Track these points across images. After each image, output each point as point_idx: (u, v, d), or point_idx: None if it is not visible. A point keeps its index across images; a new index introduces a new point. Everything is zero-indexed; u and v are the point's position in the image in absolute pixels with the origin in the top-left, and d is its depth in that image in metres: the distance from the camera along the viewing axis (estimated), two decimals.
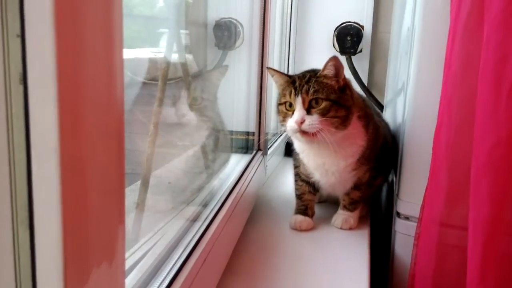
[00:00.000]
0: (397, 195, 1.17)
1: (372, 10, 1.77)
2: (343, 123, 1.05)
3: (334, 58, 1.05)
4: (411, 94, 1.10)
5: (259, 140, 1.35)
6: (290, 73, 1.81)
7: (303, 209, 1.23)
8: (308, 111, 1.04)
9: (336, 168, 1.15)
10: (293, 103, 1.06)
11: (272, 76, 1.15)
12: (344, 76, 1.08)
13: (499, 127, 0.73)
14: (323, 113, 1.03)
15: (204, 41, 1.32)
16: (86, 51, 0.33)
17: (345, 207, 1.24)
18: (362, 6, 1.77)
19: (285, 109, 1.08)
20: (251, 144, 1.36)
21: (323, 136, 1.03)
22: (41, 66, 0.29)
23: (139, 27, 0.93)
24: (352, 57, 1.77)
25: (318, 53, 1.82)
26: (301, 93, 1.04)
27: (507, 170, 0.74)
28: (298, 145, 1.19)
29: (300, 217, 1.22)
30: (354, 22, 1.76)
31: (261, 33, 1.31)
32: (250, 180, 1.16)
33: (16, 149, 0.31)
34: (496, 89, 0.73)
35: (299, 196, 1.25)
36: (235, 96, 1.36)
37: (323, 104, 1.03)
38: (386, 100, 1.69)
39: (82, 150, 0.33)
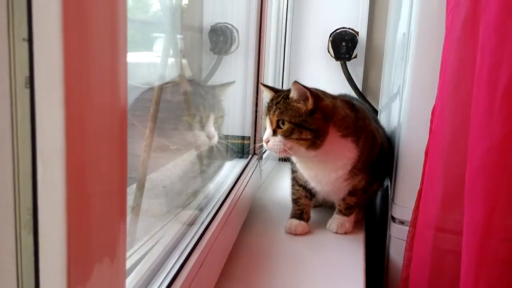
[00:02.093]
0: (392, 199, 1.17)
1: (367, 16, 1.78)
2: (313, 144, 1.05)
3: (294, 83, 1.04)
4: (406, 99, 1.11)
5: (254, 144, 1.35)
6: (285, 77, 1.82)
7: (299, 213, 1.23)
8: (275, 131, 1.06)
9: (328, 179, 1.16)
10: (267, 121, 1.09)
11: (263, 92, 1.18)
12: (320, 100, 1.06)
13: (493, 131, 0.74)
14: (286, 135, 1.04)
15: (199, 45, 1.32)
16: (92, 55, 0.33)
17: (340, 212, 1.24)
18: (357, 12, 1.78)
19: (265, 124, 1.11)
20: (247, 148, 1.36)
21: (295, 154, 1.05)
22: (48, 70, 0.29)
23: (133, 31, 0.93)
24: (347, 62, 1.78)
25: (313, 59, 1.83)
26: (269, 114, 1.07)
27: (501, 174, 0.74)
28: None
29: (295, 221, 1.22)
30: (349, 28, 1.77)
31: (257, 38, 1.32)
32: (246, 185, 1.16)
33: (21, 152, 0.31)
34: (490, 94, 0.74)
35: (295, 201, 1.25)
36: (231, 100, 1.36)
37: (286, 127, 1.04)
38: (380, 106, 1.70)
39: (87, 152, 0.34)
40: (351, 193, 1.21)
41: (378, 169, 1.23)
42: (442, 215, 0.92)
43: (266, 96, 1.16)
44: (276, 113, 1.05)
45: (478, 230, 0.77)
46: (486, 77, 0.75)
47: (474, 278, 0.77)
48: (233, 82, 1.14)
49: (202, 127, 0.96)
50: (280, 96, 1.08)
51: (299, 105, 1.05)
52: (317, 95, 1.05)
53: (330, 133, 1.06)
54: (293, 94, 1.06)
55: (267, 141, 1.07)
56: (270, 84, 1.53)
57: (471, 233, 0.78)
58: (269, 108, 1.09)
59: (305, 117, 1.04)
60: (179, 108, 0.95)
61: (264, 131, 1.11)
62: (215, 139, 0.98)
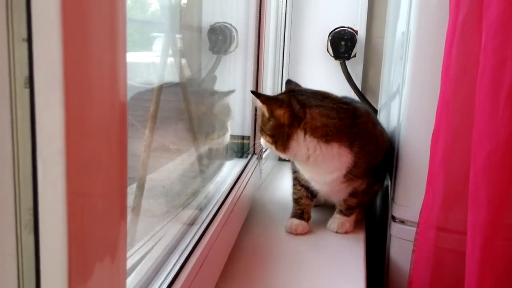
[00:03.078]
0: (392, 199, 1.17)
1: (366, 15, 1.77)
2: (277, 146, 1.11)
3: (251, 92, 1.15)
4: (406, 98, 1.11)
5: (254, 144, 1.35)
6: (284, 77, 1.82)
7: (300, 213, 1.23)
8: None
9: (324, 181, 1.17)
10: None
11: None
12: (273, 107, 1.09)
13: (498, 131, 0.74)
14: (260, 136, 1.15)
15: (198, 45, 1.32)
16: (92, 55, 0.33)
17: (341, 212, 1.24)
18: (356, 11, 1.77)
19: None
20: (247, 148, 1.36)
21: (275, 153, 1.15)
22: (48, 70, 0.29)
23: (132, 31, 0.93)
24: (346, 61, 1.78)
25: (312, 58, 1.83)
26: None
27: (505, 174, 0.74)
28: None
29: (296, 221, 1.22)
30: (348, 27, 1.77)
31: (257, 37, 1.32)
32: (246, 184, 1.16)
33: (21, 152, 0.31)
34: (494, 94, 0.74)
35: (296, 200, 1.26)
36: (230, 100, 1.36)
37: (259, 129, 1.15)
38: (380, 104, 1.70)
39: (87, 152, 0.34)
40: (352, 194, 1.21)
41: (380, 172, 1.23)
42: (445, 214, 0.91)
43: None
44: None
45: (482, 230, 0.76)
46: (489, 77, 0.75)
47: (478, 278, 0.77)
48: (233, 90, 1.19)
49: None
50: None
51: (263, 111, 1.11)
52: (273, 104, 1.09)
53: (301, 138, 1.09)
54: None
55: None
56: (269, 84, 1.53)
57: (475, 233, 0.78)
58: None
59: (265, 123, 1.11)
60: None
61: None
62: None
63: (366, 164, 1.14)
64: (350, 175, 1.14)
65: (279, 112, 1.08)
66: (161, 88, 0.87)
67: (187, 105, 0.97)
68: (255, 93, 1.13)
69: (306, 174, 1.20)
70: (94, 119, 0.34)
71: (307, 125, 1.08)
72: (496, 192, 0.75)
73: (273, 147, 1.12)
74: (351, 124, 1.12)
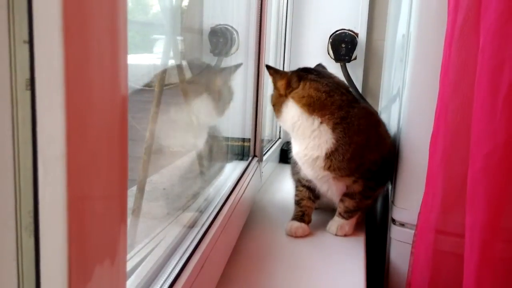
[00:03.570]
0: (393, 201, 1.17)
1: (367, 17, 1.78)
2: (276, 114, 1.22)
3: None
4: (406, 100, 1.11)
5: (255, 146, 1.35)
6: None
7: (300, 215, 1.23)
8: None
9: (310, 158, 1.17)
10: None
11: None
12: (276, 78, 1.21)
13: (496, 133, 0.74)
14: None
15: (199, 47, 1.32)
16: (93, 57, 0.33)
17: (340, 214, 1.24)
18: (357, 14, 1.78)
19: None
20: (247, 150, 1.36)
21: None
22: (49, 72, 0.29)
23: (133, 33, 0.93)
24: (347, 64, 1.78)
25: (313, 60, 1.81)
26: None
27: (503, 176, 0.74)
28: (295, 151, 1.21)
29: (296, 224, 1.22)
30: (349, 30, 1.77)
31: (257, 39, 1.32)
32: (247, 187, 1.16)
33: (22, 154, 0.31)
34: (492, 96, 0.74)
35: (297, 202, 1.26)
36: (231, 102, 1.36)
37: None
38: (380, 107, 1.70)
39: (87, 155, 0.34)
40: (349, 195, 1.21)
41: (381, 176, 1.23)
42: (443, 217, 0.91)
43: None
44: None
45: (480, 232, 0.76)
46: (487, 78, 0.75)
47: (476, 280, 0.77)
48: (240, 63, 1.26)
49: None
50: None
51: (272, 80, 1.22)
52: (277, 76, 1.21)
53: (289, 105, 1.17)
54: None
55: None
56: (270, 85, 1.53)
57: (473, 235, 0.78)
58: None
59: (272, 94, 1.24)
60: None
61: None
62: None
63: (351, 155, 1.13)
64: (332, 164, 1.14)
65: (280, 83, 1.20)
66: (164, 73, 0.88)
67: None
68: (268, 66, 1.23)
69: (296, 148, 1.22)
70: (95, 122, 0.34)
71: (296, 94, 1.17)
72: (494, 194, 0.75)
73: (274, 110, 1.23)
74: (340, 106, 1.14)
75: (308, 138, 1.16)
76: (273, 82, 1.22)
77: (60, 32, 0.29)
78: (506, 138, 0.73)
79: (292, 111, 1.16)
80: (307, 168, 1.21)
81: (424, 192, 0.96)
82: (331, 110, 1.13)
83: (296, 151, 1.21)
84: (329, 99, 1.14)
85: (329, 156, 1.14)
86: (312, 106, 1.14)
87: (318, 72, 1.21)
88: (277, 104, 1.21)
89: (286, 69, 1.83)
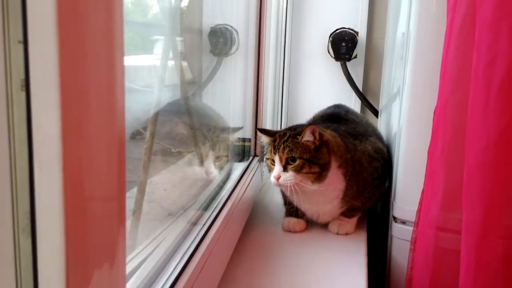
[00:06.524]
0: (393, 199, 1.17)
1: (367, 16, 1.77)
2: (319, 177, 1.12)
3: (311, 127, 1.12)
4: (406, 99, 1.11)
5: (255, 146, 1.35)
6: (285, 78, 1.81)
7: (294, 211, 1.24)
8: (285, 167, 1.11)
9: (323, 211, 1.21)
10: (274, 159, 1.14)
11: (260, 137, 1.24)
12: (322, 135, 1.14)
13: (489, 129, 0.74)
14: (297, 170, 1.11)
15: (199, 47, 1.32)
16: (88, 57, 0.33)
17: (343, 213, 1.24)
18: (357, 12, 1.77)
19: (270, 163, 1.17)
20: (248, 150, 1.36)
21: (301, 187, 1.11)
22: (43, 72, 0.29)
23: (133, 34, 0.93)
24: (347, 63, 1.77)
25: (313, 59, 1.82)
26: (278, 152, 1.13)
27: (497, 172, 0.74)
28: None
29: (293, 219, 1.23)
30: (349, 28, 1.76)
31: (257, 39, 1.31)
32: (247, 187, 1.16)
33: (18, 155, 0.31)
34: (486, 91, 0.74)
35: (287, 202, 1.27)
36: (231, 102, 1.36)
37: (297, 162, 1.11)
38: (381, 106, 1.70)
39: (84, 155, 0.33)
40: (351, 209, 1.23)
41: (382, 176, 1.24)
42: (444, 214, 0.91)
43: (263, 140, 1.24)
44: (286, 151, 1.12)
45: (476, 228, 0.77)
46: (482, 74, 0.75)
47: (473, 276, 0.77)
48: (241, 127, 1.26)
49: (201, 163, 1.02)
50: (286, 136, 1.14)
51: (308, 142, 1.12)
52: (320, 134, 1.14)
53: (330, 168, 1.13)
54: (306, 138, 1.12)
55: (278, 177, 1.12)
56: (270, 85, 1.53)
57: (469, 231, 0.78)
58: (275, 148, 1.14)
59: (314, 153, 1.12)
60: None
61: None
62: (214, 174, 1.04)
63: (356, 187, 1.18)
64: (346, 198, 1.18)
65: (326, 138, 1.14)
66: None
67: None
68: (314, 126, 1.14)
69: (305, 205, 1.21)
70: (91, 122, 0.34)
71: (335, 150, 1.16)
72: (489, 190, 0.75)
73: (312, 178, 1.12)
74: (346, 148, 1.18)
75: (328, 193, 1.16)
76: (319, 140, 1.13)
77: (54, 31, 0.29)
78: (498, 133, 0.73)
79: (333, 169, 1.14)
80: (316, 211, 1.23)
81: (423, 189, 0.96)
82: (344, 157, 1.16)
83: (308, 207, 1.21)
84: (343, 144, 1.18)
85: (345, 196, 1.18)
86: (343, 157, 1.16)
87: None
88: (325, 165, 1.13)
89: (286, 69, 1.82)
